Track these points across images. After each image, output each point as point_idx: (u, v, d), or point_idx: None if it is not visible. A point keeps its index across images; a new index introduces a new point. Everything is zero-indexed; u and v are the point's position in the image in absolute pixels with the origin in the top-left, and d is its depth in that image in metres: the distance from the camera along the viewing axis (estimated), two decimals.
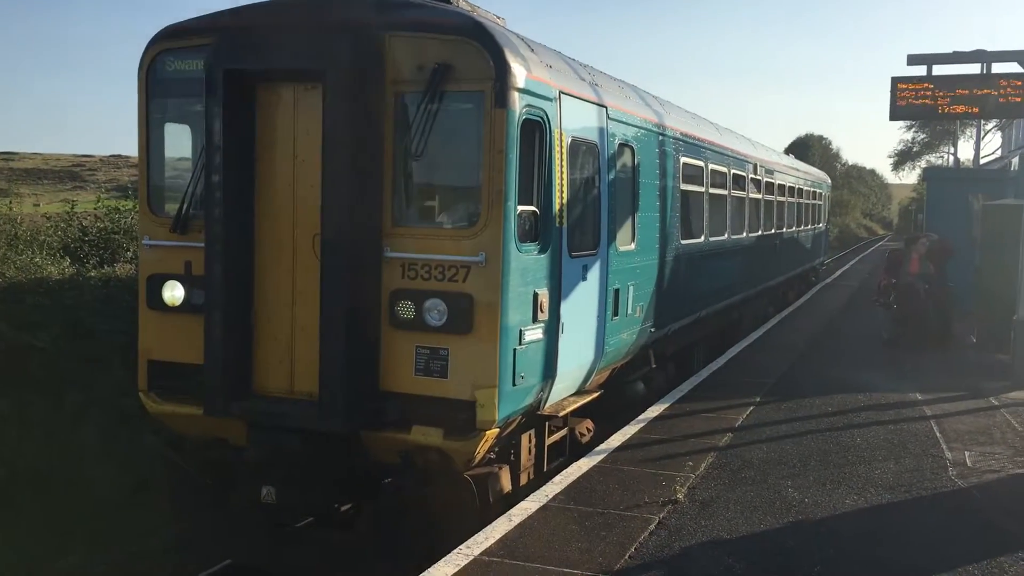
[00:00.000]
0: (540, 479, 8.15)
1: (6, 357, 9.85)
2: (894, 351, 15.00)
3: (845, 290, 27.13)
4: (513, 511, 7.08)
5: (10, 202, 16.41)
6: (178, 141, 8.04)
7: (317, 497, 7.37)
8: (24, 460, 9.27)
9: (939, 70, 13.71)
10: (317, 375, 7.03)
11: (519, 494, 7.72)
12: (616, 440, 9.20)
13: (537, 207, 7.34)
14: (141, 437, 10.03)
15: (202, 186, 7.40)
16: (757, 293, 17.95)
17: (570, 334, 7.95)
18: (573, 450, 9.02)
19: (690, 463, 8.42)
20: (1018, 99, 12.94)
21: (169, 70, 7.75)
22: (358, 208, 6.89)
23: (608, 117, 8.88)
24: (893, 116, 13.75)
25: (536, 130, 7.29)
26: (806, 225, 23.93)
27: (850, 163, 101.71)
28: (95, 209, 16.25)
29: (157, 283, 7.74)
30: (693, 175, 12.37)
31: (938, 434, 9.74)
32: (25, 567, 8.54)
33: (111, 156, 76.61)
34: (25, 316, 10.47)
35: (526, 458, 8.11)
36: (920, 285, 15.32)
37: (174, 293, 7.68)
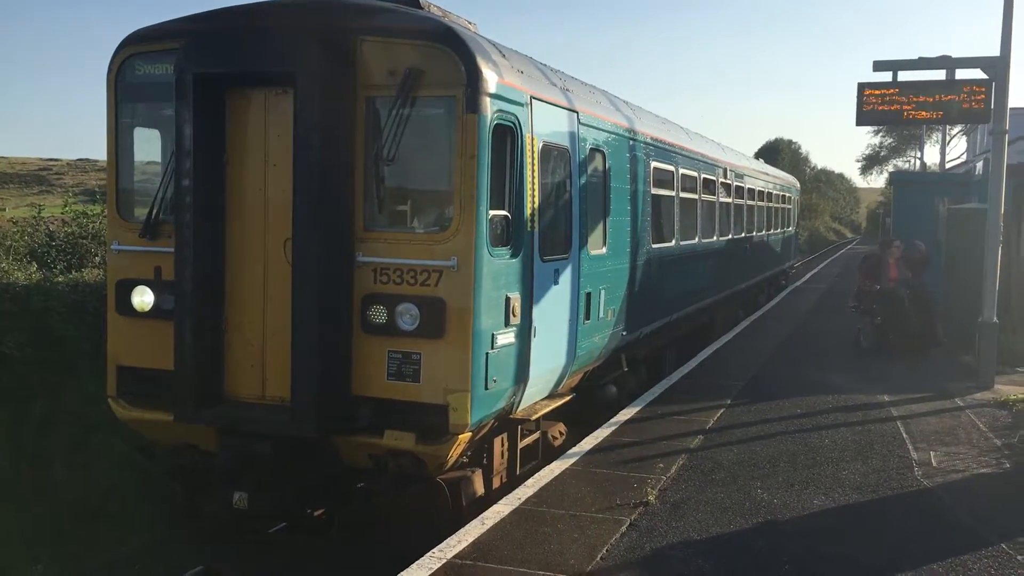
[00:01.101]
0: (513, 483, 8.19)
1: None
2: (864, 355, 15.08)
3: (815, 293, 27.42)
4: (486, 514, 7.10)
5: None
6: (147, 145, 8.00)
7: (289, 502, 7.34)
8: None
9: (905, 76, 13.89)
10: (289, 380, 7.01)
11: (492, 498, 7.74)
12: (588, 443, 9.26)
13: (509, 211, 7.38)
14: (110, 444, 9.93)
15: (172, 191, 7.35)
16: (728, 296, 18.10)
17: (542, 338, 7.99)
18: (546, 454, 9.06)
19: (661, 465, 8.49)
20: (981, 105, 13.15)
21: (138, 74, 7.71)
22: (330, 212, 6.89)
23: (579, 122, 8.94)
24: (859, 121, 13.90)
25: (507, 135, 7.33)
26: (776, 229, 24.17)
27: (819, 167, 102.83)
28: (62, 214, 16.07)
29: (126, 288, 7.69)
30: (664, 179, 12.47)
31: (904, 435, 9.89)
32: None
33: (78, 160, 75.68)
34: None
35: (499, 462, 8.14)
36: (903, 291, 15.19)
37: (143, 299, 7.62)
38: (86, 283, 12.13)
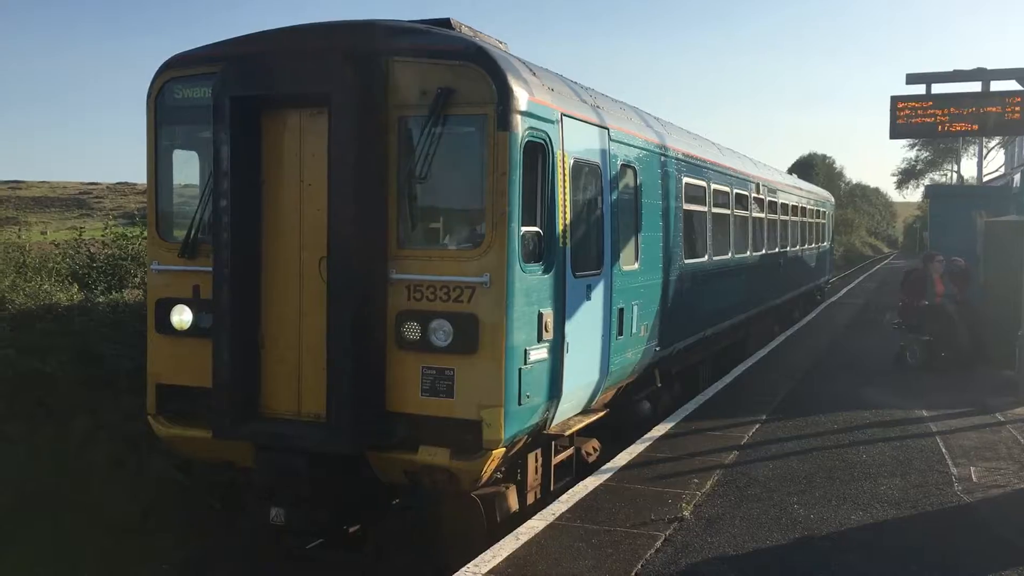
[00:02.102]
0: (547, 498, 8.18)
1: (15, 383, 9.93)
2: (904, 371, 14.85)
3: (851, 308, 27.14)
4: (520, 530, 7.11)
5: (19, 230, 16.58)
6: (186, 167, 8.16)
7: (325, 518, 7.40)
8: (33, 484, 9.32)
9: (939, 88, 13.80)
10: (324, 396, 7.09)
11: (526, 513, 7.75)
12: (622, 459, 9.23)
13: (540, 228, 7.42)
14: (149, 461, 10.08)
15: (210, 211, 7.50)
16: (762, 312, 17.98)
17: (575, 353, 8.00)
18: (579, 469, 9.05)
19: (696, 481, 8.44)
20: (1018, 116, 13.02)
21: (177, 97, 7.88)
22: (364, 231, 6.98)
23: (610, 139, 8.98)
24: (893, 134, 13.82)
25: (539, 152, 7.38)
26: (810, 244, 23.98)
27: (854, 182, 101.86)
28: (103, 236, 16.39)
29: (165, 307, 7.83)
30: (696, 195, 12.46)
31: (944, 450, 9.75)
32: None
33: (118, 183, 77.11)
34: (34, 342, 10.55)
35: (533, 477, 8.14)
36: (951, 307, 14.95)
37: (182, 317, 7.76)
38: (126, 303, 12.37)
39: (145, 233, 11.65)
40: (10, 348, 10.18)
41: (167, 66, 7.95)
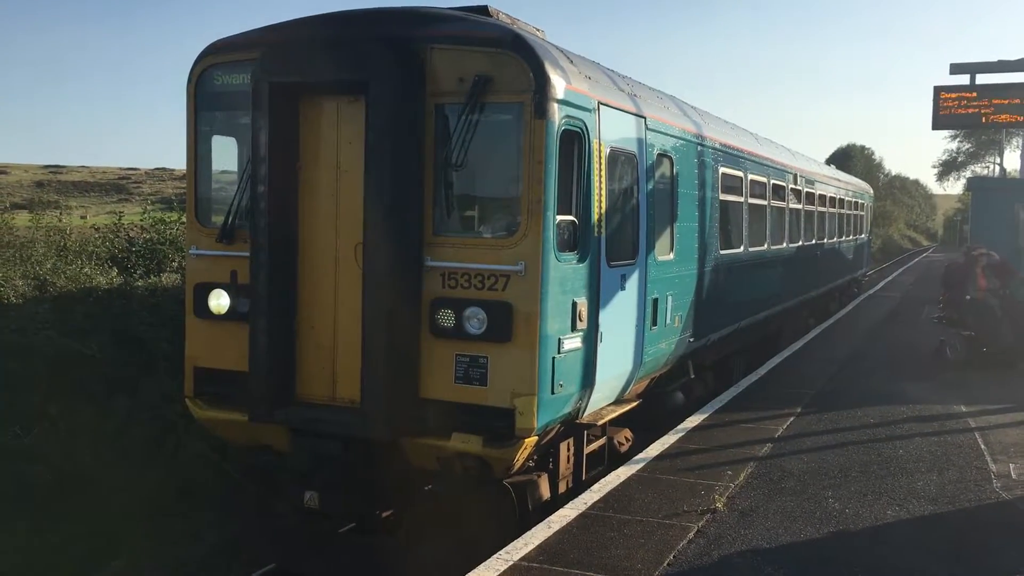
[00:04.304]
0: (579, 487, 8.18)
1: (56, 364, 10.10)
2: (944, 366, 14.61)
3: (888, 302, 26.78)
4: (552, 518, 7.12)
5: (59, 214, 16.81)
6: (225, 153, 8.23)
7: (359, 503, 7.47)
8: (72, 464, 9.49)
9: (983, 79, 13.55)
10: (359, 382, 7.14)
11: (558, 502, 7.75)
12: (655, 449, 9.20)
13: (576, 217, 7.40)
14: (186, 443, 10.21)
15: (248, 197, 7.55)
16: (797, 304, 17.81)
17: (609, 343, 7.98)
18: (612, 459, 9.04)
19: (729, 473, 8.40)
20: None
21: (217, 83, 7.94)
22: (400, 217, 7.00)
23: (647, 127, 8.92)
24: (936, 126, 13.64)
25: (575, 140, 7.35)
26: (848, 236, 23.69)
27: (893, 173, 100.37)
28: (141, 221, 16.58)
29: (203, 292, 7.91)
30: (732, 185, 12.35)
31: (983, 446, 9.61)
32: (72, 569, 8.74)
33: (156, 169, 78.01)
34: (75, 324, 10.73)
35: (565, 466, 8.14)
36: (994, 301, 14.63)
37: (220, 301, 7.84)
38: (164, 287, 12.52)
39: (183, 218, 11.77)
40: (51, 330, 10.35)
41: (207, 52, 8.00)
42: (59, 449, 9.54)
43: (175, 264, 14.13)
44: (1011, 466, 8.84)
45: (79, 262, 12.95)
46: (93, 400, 10.20)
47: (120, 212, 17.66)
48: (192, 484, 10.05)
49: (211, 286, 7.88)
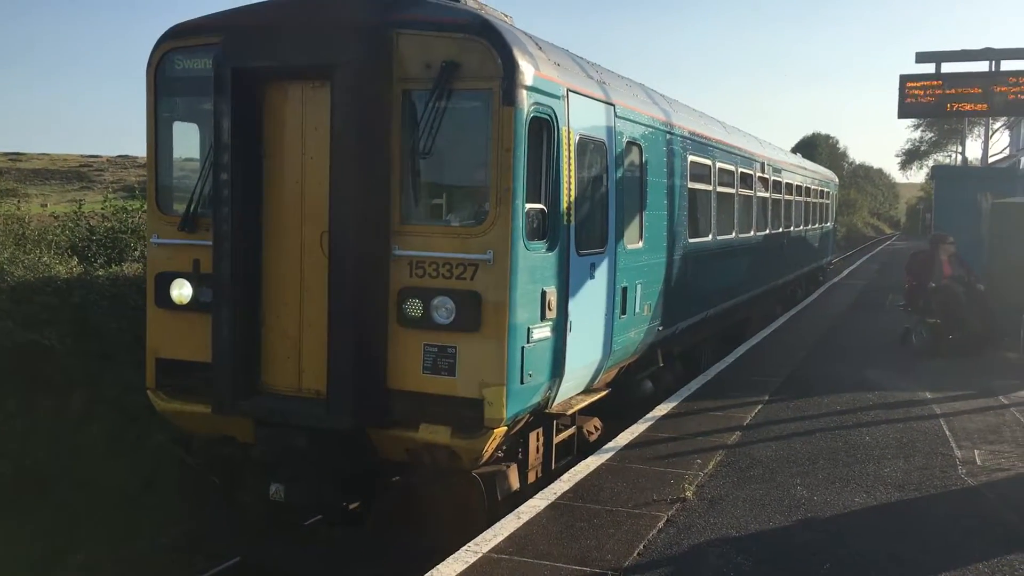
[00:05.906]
0: (548, 477, 8.14)
1: (14, 356, 9.87)
2: (907, 353, 14.73)
3: (853, 289, 27.04)
4: (522, 509, 7.07)
5: (18, 202, 16.46)
6: (186, 140, 8.06)
7: (325, 495, 7.36)
8: (31, 458, 9.29)
9: (948, 68, 13.66)
10: (325, 373, 7.03)
11: (527, 492, 7.71)
12: (624, 438, 9.19)
13: (545, 205, 7.33)
14: (148, 435, 10.03)
15: (210, 184, 7.40)
16: (765, 292, 17.91)
17: (578, 332, 7.93)
18: (581, 448, 9.00)
19: (699, 461, 8.40)
20: None
21: (177, 68, 7.76)
22: (366, 205, 6.89)
23: (616, 115, 8.87)
24: (901, 114, 13.74)
25: (544, 128, 7.27)
26: (814, 224, 23.86)
27: (857, 162, 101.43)
28: (102, 209, 16.28)
29: (165, 281, 7.76)
30: (701, 174, 12.35)
31: (947, 432, 9.70)
32: (33, 565, 8.56)
33: (118, 156, 76.79)
34: (33, 315, 10.48)
35: (534, 456, 8.10)
36: (959, 289, 14.71)
37: (182, 291, 7.69)
38: (126, 276, 12.28)
39: (145, 206, 11.54)
40: (8, 320, 10.10)
41: (167, 36, 7.81)
42: (18, 442, 9.32)
43: (137, 253, 13.88)
44: (975, 452, 8.94)
45: (38, 251, 12.67)
46: (52, 392, 9.98)
47: (81, 200, 17.34)
48: (155, 477, 9.88)
49: (173, 275, 7.72)
